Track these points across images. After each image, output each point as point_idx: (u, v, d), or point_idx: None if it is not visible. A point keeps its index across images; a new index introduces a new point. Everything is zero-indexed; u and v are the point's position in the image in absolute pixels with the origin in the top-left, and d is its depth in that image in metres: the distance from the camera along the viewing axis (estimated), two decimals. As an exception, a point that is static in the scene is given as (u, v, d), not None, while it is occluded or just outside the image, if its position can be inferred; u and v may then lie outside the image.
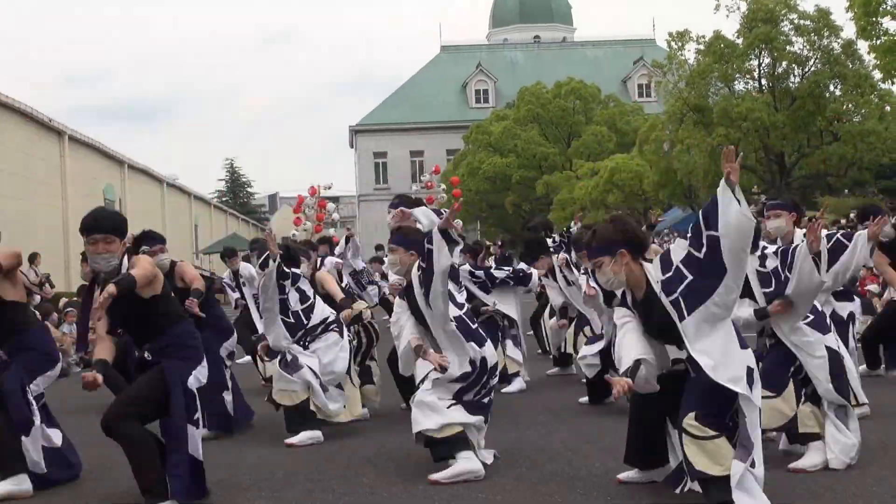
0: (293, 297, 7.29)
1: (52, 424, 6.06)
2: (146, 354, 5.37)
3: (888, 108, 30.40)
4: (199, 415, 5.28)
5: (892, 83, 27.52)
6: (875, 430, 6.15)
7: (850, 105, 30.55)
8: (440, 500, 5.10)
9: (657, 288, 4.67)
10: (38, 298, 15.04)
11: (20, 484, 5.62)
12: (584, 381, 8.57)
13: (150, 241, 7.34)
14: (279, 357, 7.22)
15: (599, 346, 8.04)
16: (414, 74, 58.33)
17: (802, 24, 30.78)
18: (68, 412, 7.67)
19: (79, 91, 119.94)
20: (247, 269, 10.03)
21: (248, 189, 73.84)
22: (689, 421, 4.49)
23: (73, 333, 12.90)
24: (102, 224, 5.25)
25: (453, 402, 5.57)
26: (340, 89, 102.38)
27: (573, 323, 9.08)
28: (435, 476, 5.44)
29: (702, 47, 32.05)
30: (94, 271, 5.43)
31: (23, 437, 5.64)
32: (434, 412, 5.51)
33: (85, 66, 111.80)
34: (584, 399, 8.33)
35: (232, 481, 5.79)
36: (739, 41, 31.13)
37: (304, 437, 6.91)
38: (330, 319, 7.38)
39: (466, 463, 5.47)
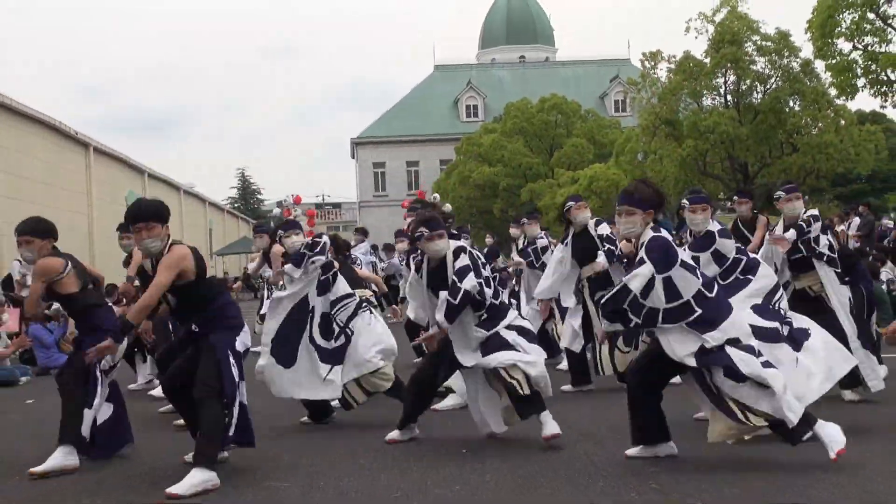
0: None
1: (109, 399, 6.02)
2: (193, 327, 5.48)
3: (843, 122, 30.43)
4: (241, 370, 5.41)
5: (847, 99, 27.60)
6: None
7: (807, 119, 30.60)
8: (433, 483, 4.95)
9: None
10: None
11: (68, 456, 5.59)
12: (566, 369, 8.47)
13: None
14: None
15: (579, 315, 8.07)
16: (410, 91, 58.26)
17: (765, 45, 30.79)
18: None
19: (97, 104, 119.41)
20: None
21: (258, 196, 74.26)
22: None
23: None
24: (144, 213, 5.37)
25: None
26: (341, 104, 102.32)
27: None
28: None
29: (672, 66, 32.01)
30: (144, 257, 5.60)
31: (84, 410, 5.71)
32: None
33: (102, 80, 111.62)
34: (567, 387, 8.14)
35: (238, 467, 5.61)
36: (707, 61, 31.08)
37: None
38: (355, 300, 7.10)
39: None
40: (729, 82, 31.61)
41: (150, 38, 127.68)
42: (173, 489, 4.85)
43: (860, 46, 27.48)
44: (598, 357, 7.91)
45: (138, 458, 5.99)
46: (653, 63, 32.93)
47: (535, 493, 4.70)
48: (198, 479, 4.93)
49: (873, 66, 27.22)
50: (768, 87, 31.06)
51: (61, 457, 5.58)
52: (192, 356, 5.46)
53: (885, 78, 27.35)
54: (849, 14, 27.13)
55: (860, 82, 27.17)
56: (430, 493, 4.74)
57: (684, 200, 6.73)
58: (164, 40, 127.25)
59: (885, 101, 27.71)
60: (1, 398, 9.58)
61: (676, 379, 8.27)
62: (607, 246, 7.88)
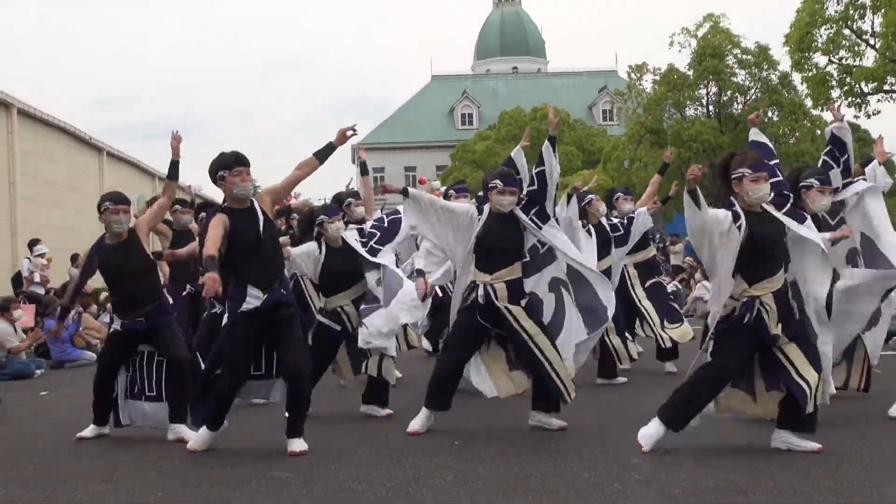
0: None
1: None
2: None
3: (818, 131, 30.51)
4: None
5: (822, 110, 27.64)
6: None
7: (785, 129, 30.69)
8: (427, 473, 4.91)
9: None
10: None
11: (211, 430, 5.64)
12: None
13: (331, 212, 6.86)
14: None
15: None
16: (408, 100, 58.26)
17: (745, 58, 30.88)
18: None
19: (114, 113, 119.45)
20: None
21: (265, 198, 73.65)
22: None
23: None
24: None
25: None
26: (344, 113, 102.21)
27: None
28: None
29: (657, 78, 32.11)
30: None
31: None
32: None
33: (114, 91, 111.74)
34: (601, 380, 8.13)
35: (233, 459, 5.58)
36: (690, 73, 31.17)
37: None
38: None
39: None
40: (711, 93, 31.70)
41: (164, 52, 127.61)
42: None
43: (835, 60, 27.50)
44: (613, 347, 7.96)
45: (152, 444, 5.94)
46: (639, 75, 33.02)
47: (525, 482, 4.66)
48: None
49: (847, 79, 27.23)
50: (748, 98, 31.14)
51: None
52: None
53: (859, 90, 27.35)
54: (825, 30, 27.16)
55: (835, 94, 27.16)
56: (423, 483, 4.70)
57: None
58: (177, 54, 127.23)
59: (859, 111, 27.70)
60: (16, 390, 9.54)
61: (670, 367, 8.36)
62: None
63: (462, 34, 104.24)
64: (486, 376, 6.01)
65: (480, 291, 5.80)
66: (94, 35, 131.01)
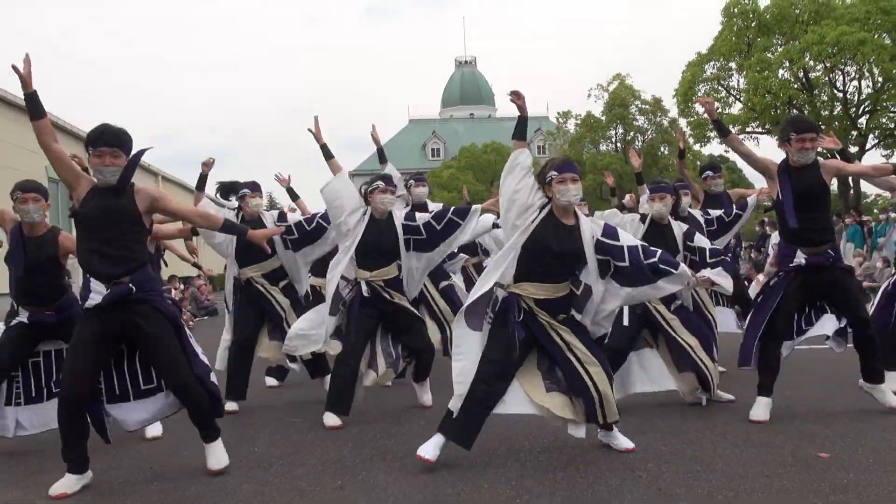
0: None
1: None
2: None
3: (699, 163, 30.75)
4: None
5: (702, 146, 27.77)
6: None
7: (673, 160, 30.82)
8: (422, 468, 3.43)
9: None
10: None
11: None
12: None
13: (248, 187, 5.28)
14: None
15: None
16: (391, 138, 57.56)
17: (644, 107, 30.93)
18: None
19: (168, 146, 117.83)
20: None
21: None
22: None
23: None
24: (110, 138, 3.36)
25: None
26: (341, 147, 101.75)
27: None
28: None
29: (578, 122, 32.06)
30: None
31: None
32: None
33: (165, 129, 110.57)
34: None
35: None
36: (603, 118, 31.17)
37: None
38: None
39: None
40: (618, 134, 31.70)
41: (199, 97, 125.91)
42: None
43: (711, 109, 27.64)
44: None
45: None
46: (564, 119, 32.97)
47: (529, 473, 3.30)
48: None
49: (720, 124, 27.43)
50: (646, 137, 31.21)
51: None
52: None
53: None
54: (703, 86, 27.34)
55: (711, 135, 27.34)
56: (418, 479, 3.30)
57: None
58: (209, 100, 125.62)
59: (728, 148, 27.93)
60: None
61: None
62: None
63: (431, 88, 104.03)
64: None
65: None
66: (148, 86, 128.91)
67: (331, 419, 4.43)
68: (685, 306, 4.58)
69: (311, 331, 4.55)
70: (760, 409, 4.26)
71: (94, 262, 3.34)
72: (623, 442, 3.73)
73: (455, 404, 3.52)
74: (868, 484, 3.10)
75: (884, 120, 25.94)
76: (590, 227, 3.63)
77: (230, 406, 4.80)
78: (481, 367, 3.49)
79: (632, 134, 31.05)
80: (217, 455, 3.57)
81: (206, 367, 3.55)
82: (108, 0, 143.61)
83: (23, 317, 4.08)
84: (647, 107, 30.83)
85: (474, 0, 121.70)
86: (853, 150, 25.05)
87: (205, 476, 3.54)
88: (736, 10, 26.34)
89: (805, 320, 4.46)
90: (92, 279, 3.33)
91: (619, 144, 31.52)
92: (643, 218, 4.85)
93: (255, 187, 5.32)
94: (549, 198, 3.64)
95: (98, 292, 3.31)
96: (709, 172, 6.45)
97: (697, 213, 5.58)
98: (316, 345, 4.59)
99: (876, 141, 26.37)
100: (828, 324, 4.40)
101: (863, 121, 26.22)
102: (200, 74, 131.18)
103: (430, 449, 3.49)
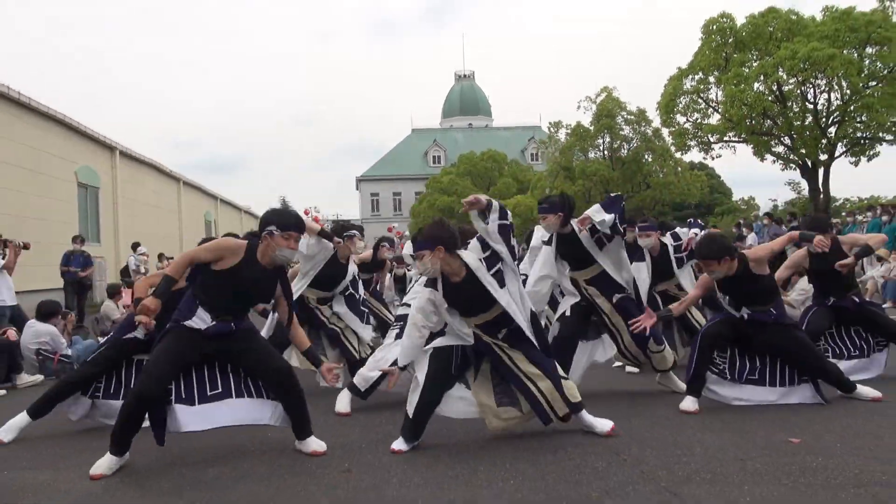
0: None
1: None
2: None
3: (679, 169, 30.64)
4: None
5: (682, 154, 27.73)
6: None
7: (656, 167, 30.79)
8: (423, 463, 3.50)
9: (475, 266, 3.55)
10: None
11: None
12: None
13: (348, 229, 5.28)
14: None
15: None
16: (395, 146, 57.48)
17: (629, 117, 30.82)
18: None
19: (188, 152, 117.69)
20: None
21: (294, 214, 72.76)
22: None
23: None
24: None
25: None
26: (349, 155, 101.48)
27: None
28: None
29: (568, 131, 31.97)
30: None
31: None
32: None
33: (185, 137, 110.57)
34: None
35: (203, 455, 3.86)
36: (591, 128, 31.11)
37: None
38: None
39: None
40: (605, 142, 31.64)
41: (217, 109, 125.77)
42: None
43: (691, 120, 27.63)
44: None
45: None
46: (556, 129, 32.86)
47: (522, 457, 3.29)
48: None
49: (699, 133, 27.43)
50: (631, 146, 31.12)
51: None
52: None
53: (707, 140, 27.57)
54: (683, 98, 27.29)
55: (692, 143, 27.31)
56: (419, 473, 3.30)
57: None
58: (226, 113, 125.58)
59: (706, 155, 27.92)
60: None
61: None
62: None
63: (433, 99, 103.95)
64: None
65: None
66: (170, 96, 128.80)
67: (342, 405, 4.51)
68: (630, 297, 4.57)
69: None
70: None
71: (222, 306, 3.47)
72: (600, 425, 3.73)
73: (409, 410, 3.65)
74: (834, 467, 3.11)
75: (851, 130, 25.95)
76: (476, 264, 3.59)
77: None
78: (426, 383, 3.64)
79: (618, 143, 31.00)
80: (315, 443, 3.61)
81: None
82: (155, 29, 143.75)
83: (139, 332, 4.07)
84: (633, 117, 30.77)
85: (473, 18, 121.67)
86: (823, 157, 25.07)
87: (223, 460, 3.55)
88: (714, 27, 26.37)
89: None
90: (201, 308, 3.45)
91: (606, 152, 31.47)
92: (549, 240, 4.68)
93: (361, 231, 5.41)
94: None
95: (203, 320, 3.45)
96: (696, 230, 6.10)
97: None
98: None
99: (844, 149, 26.37)
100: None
101: (832, 130, 26.22)
102: (216, 83, 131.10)
103: (400, 443, 3.63)
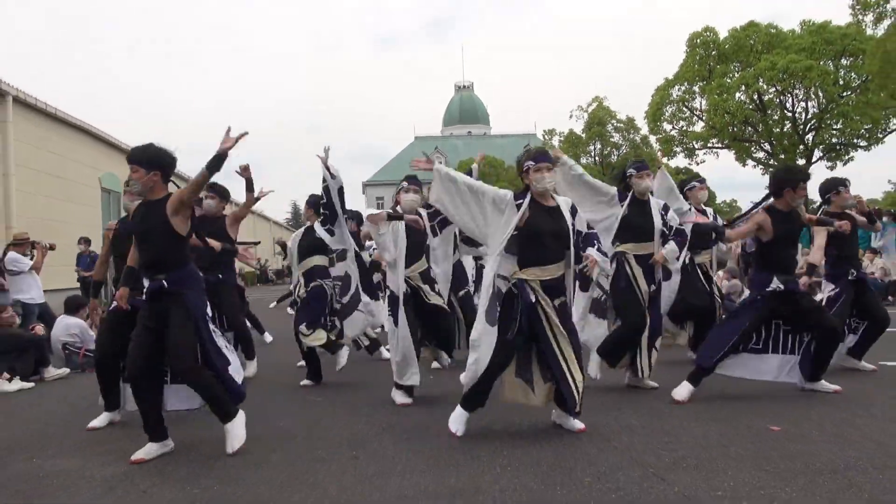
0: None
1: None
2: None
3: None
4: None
5: (668, 160, 27.79)
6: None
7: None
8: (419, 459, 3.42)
9: None
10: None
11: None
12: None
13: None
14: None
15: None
16: (398, 153, 57.58)
17: (619, 125, 30.96)
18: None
19: (183, 156, 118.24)
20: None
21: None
22: None
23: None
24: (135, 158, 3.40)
25: None
26: (355, 161, 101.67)
27: None
28: None
29: (562, 139, 32.06)
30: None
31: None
32: None
33: (191, 143, 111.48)
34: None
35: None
36: (583, 135, 31.17)
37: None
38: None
39: None
40: (597, 149, 31.70)
41: (219, 108, 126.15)
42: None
43: (677, 128, 27.69)
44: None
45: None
46: (550, 136, 32.98)
47: (520, 445, 3.25)
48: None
49: (684, 140, 27.46)
50: (621, 152, 31.21)
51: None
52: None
53: (692, 147, 27.61)
54: (669, 107, 27.36)
55: (678, 149, 27.37)
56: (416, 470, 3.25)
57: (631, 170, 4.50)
58: (244, 119, 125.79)
59: (691, 161, 27.99)
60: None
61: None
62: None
63: (434, 109, 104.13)
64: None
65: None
66: (174, 100, 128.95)
67: (400, 397, 4.39)
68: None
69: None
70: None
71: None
72: (574, 423, 3.61)
73: (467, 382, 3.57)
74: (812, 453, 3.11)
75: (827, 136, 25.94)
76: (567, 205, 3.56)
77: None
78: (492, 361, 3.47)
79: (608, 149, 31.06)
80: (233, 435, 3.40)
81: (226, 361, 3.44)
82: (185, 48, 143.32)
83: None
84: (622, 125, 30.88)
85: (472, 32, 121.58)
86: (801, 162, 25.07)
87: (237, 447, 3.53)
88: (698, 41, 26.41)
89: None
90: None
91: (597, 158, 31.52)
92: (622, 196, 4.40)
93: (360, 218, 5.02)
94: (527, 185, 3.55)
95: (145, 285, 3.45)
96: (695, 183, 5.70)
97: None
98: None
99: (821, 155, 26.37)
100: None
101: (810, 137, 26.21)
102: (229, 94, 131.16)
103: (455, 424, 3.60)
